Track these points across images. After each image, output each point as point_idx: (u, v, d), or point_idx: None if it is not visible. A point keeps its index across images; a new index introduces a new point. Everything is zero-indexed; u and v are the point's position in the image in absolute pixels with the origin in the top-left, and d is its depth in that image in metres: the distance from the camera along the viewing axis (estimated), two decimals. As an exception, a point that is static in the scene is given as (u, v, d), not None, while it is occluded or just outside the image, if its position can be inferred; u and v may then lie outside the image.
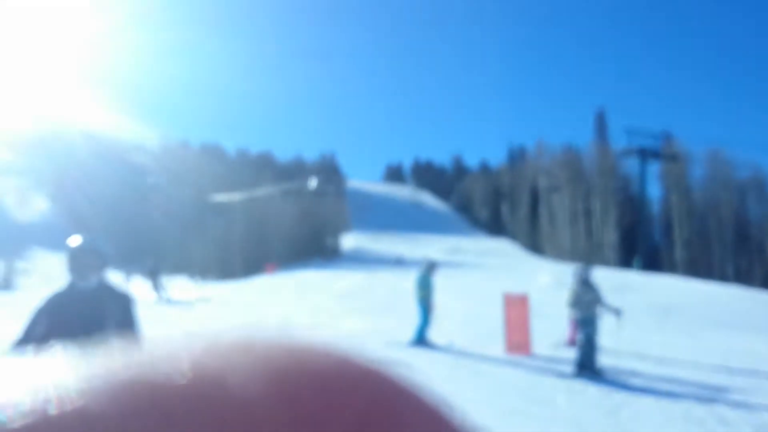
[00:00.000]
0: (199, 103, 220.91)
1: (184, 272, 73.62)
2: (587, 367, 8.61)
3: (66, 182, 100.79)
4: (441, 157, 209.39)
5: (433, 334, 12.93)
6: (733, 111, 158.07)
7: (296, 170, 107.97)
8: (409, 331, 13.27)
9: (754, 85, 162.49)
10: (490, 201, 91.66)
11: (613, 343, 10.91)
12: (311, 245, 61.17)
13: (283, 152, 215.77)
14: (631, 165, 62.80)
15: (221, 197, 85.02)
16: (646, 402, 7.32)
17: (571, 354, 10.71)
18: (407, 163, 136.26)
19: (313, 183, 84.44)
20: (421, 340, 10.92)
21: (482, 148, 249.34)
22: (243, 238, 61.00)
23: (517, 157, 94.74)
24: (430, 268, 11.49)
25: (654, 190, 68.36)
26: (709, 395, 7.70)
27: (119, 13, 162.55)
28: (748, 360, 10.73)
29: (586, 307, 8.89)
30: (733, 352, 11.82)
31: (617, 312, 9.05)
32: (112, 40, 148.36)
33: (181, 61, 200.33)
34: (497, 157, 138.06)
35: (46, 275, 69.53)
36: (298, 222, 62.81)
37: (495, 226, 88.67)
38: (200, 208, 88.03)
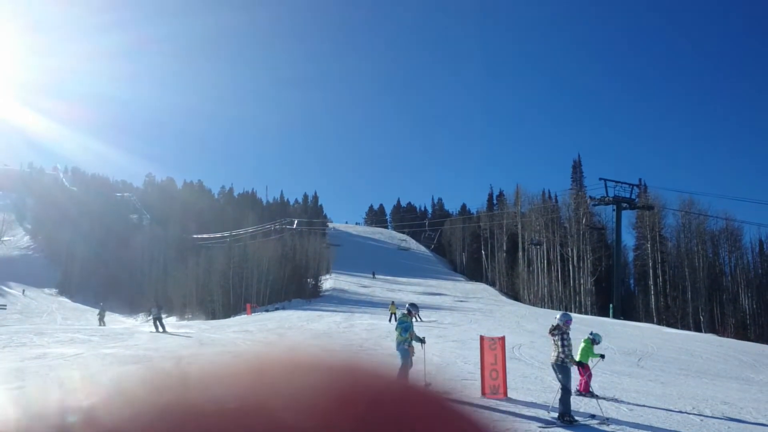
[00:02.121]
0: (185, 142, 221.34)
1: (163, 310, 72.76)
2: (562, 413, 8.75)
3: (48, 218, 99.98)
4: (422, 200, 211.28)
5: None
6: (706, 163, 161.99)
7: (279, 210, 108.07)
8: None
9: (727, 137, 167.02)
10: (469, 245, 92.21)
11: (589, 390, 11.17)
12: (292, 285, 60.94)
13: (267, 192, 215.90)
14: (606, 213, 63.98)
15: (204, 236, 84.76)
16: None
17: (549, 399, 10.96)
18: (389, 206, 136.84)
19: (295, 224, 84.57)
20: None
21: (463, 193, 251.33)
22: (224, 278, 60.65)
23: (496, 202, 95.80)
24: (410, 312, 11.33)
25: (629, 239, 69.42)
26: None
27: (99, 48, 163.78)
28: (720, 408, 11.04)
29: (557, 354, 9.03)
30: (705, 399, 12.13)
31: (579, 363, 9.29)
32: (98, 75, 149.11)
33: (167, 99, 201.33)
34: (478, 202, 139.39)
35: (25, 310, 68.44)
36: (279, 262, 62.68)
37: (474, 270, 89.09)
38: (182, 246, 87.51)
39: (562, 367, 8.94)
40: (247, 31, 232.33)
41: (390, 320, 29.89)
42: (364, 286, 64.97)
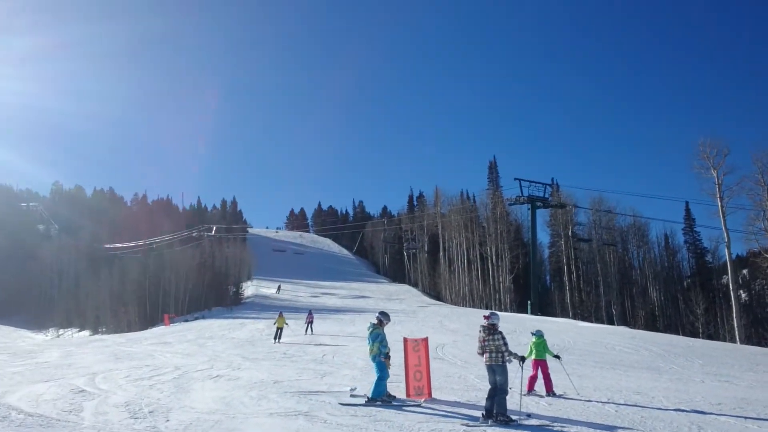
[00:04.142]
0: (94, 149, 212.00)
1: (75, 324, 69.50)
2: (498, 413, 8.65)
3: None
4: (343, 203, 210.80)
5: (336, 382, 12.98)
6: (613, 161, 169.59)
7: (197, 217, 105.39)
8: (310, 381, 13.26)
9: (633, 136, 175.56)
10: (391, 246, 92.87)
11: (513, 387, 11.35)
12: (212, 293, 59.49)
13: (183, 199, 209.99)
14: (522, 212, 65.74)
15: (117, 245, 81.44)
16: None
17: (473, 398, 11.07)
18: (310, 210, 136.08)
19: (214, 230, 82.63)
20: (380, 393, 10.13)
21: (384, 195, 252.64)
22: (140, 288, 58.46)
23: (416, 203, 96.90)
24: (380, 321, 10.68)
25: (544, 236, 71.49)
26: None
27: (3, 52, 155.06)
28: (633, 398, 11.48)
29: (495, 355, 8.94)
30: (619, 390, 12.59)
31: (522, 359, 9.33)
32: (2, 79, 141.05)
33: (75, 105, 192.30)
34: (399, 204, 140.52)
35: None
36: (198, 270, 61.05)
37: (396, 272, 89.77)
38: (94, 256, 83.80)
39: (502, 367, 8.88)
40: (156, 36, 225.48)
41: (275, 339, 25.73)
42: (284, 291, 64.41)
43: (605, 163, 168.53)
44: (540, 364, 11.94)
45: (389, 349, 10.40)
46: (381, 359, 10.16)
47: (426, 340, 11.11)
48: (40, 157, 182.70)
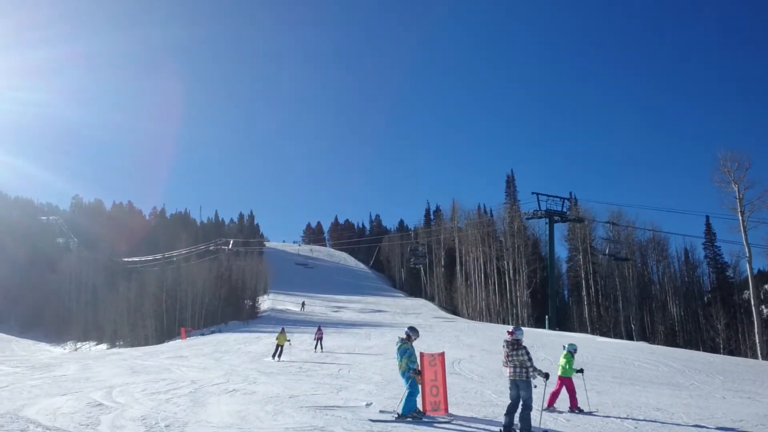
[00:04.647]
0: (114, 162, 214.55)
1: (93, 337, 70.03)
2: (522, 429, 8.54)
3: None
4: (360, 217, 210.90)
5: (352, 396, 12.91)
6: (633, 175, 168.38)
7: (214, 231, 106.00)
8: (326, 395, 13.22)
9: (653, 151, 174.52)
10: (407, 261, 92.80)
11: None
12: (228, 307, 59.66)
13: (201, 212, 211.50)
14: (540, 226, 65.35)
15: (135, 259, 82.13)
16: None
17: (489, 413, 10.97)
18: (327, 224, 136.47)
19: (231, 244, 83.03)
20: (410, 409, 9.91)
21: (401, 209, 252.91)
22: (157, 301, 58.77)
23: (433, 217, 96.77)
24: (408, 336, 10.37)
25: (562, 251, 70.94)
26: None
27: (26, 64, 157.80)
28: (653, 414, 11.32)
29: (519, 370, 8.86)
30: (638, 406, 12.42)
31: (546, 376, 9.10)
32: (24, 91, 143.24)
33: (95, 117, 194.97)
34: (415, 218, 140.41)
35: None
36: (215, 283, 61.27)
37: (413, 286, 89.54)
38: (112, 270, 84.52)
39: (527, 383, 8.80)
40: (177, 47, 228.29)
41: (275, 356, 24.42)
42: (300, 305, 64.41)
43: (624, 177, 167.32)
44: (565, 380, 11.77)
45: (418, 365, 10.23)
46: (410, 375, 9.92)
47: (443, 354, 11.01)
48: (60, 167, 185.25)
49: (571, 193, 69.29)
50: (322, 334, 28.91)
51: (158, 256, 79.19)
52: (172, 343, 42.39)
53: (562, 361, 12.05)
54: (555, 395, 11.76)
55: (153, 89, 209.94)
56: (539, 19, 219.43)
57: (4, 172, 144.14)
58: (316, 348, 27.64)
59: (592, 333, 50.32)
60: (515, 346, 9.00)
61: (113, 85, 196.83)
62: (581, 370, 12.17)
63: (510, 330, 9.39)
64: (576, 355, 12.90)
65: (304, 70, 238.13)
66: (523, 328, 11.73)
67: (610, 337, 46.81)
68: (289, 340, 25.42)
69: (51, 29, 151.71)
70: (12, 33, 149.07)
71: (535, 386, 9.00)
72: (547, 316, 51.48)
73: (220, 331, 47.22)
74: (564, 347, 12.51)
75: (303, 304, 63.99)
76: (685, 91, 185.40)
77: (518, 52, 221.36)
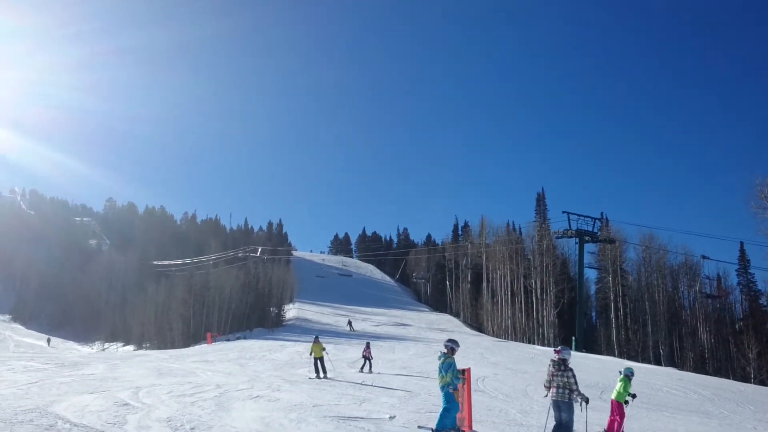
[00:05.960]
0: (148, 166, 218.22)
1: (120, 338, 71.02)
2: None
3: (4, 242, 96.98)
4: (387, 230, 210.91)
5: (375, 408, 12.88)
6: (666, 198, 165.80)
7: (243, 238, 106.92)
8: (349, 406, 13.22)
9: (687, 174, 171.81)
10: (434, 275, 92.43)
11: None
12: (254, 314, 60.09)
13: (231, 219, 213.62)
14: (569, 246, 64.62)
15: (164, 262, 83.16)
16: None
17: None
18: (354, 235, 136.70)
19: (259, 251, 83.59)
20: (444, 426, 9.38)
21: (429, 223, 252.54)
22: (184, 306, 59.44)
23: (461, 233, 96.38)
24: (451, 350, 9.75)
25: (591, 272, 69.96)
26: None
27: (62, 60, 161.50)
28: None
29: (562, 391, 8.74)
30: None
31: (586, 400, 8.91)
32: (61, 87, 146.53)
33: (128, 124, 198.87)
34: (443, 232, 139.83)
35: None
36: (242, 290, 61.79)
37: (438, 301, 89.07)
38: (142, 272, 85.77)
39: (568, 405, 8.69)
40: (212, 46, 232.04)
41: (319, 374, 20.66)
42: (326, 315, 64.45)
43: (657, 200, 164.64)
44: (620, 406, 11.38)
45: (463, 380, 9.88)
46: (449, 390, 9.39)
47: (468, 370, 10.93)
48: (96, 167, 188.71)
49: (602, 213, 68.41)
50: (370, 351, 24.45)
51: (188, 261, 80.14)
52: (197, 347, 42.80)
53: (618, 385, 11.61)
54: (617, 422, 11.25)
55: (184, 89, 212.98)
56: (563, 33, 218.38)
57: (44, 168, 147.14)
58: (363, 368, 23.74)
59: (620, 356, 49.45)
60: (561, 366, 8.88)
61: (145, 82, 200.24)
62: (634, 395, 11.78)
63: (557, 349, 9.27)
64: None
65: (337, 89, 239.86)
66: (548, 348, 11.59)
67: (637, 361, 45.97)
68: (324, 349, 22.12)
69: (83, 25, 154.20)
70: (50, 29, 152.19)
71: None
72: (573, 338, 50.75)
73: (245, 338, 47.55)
74: (620, 372, 12.02)
75: (350, 323, 56.76)
76: (724, 113, 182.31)
77: (552, 74, 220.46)
